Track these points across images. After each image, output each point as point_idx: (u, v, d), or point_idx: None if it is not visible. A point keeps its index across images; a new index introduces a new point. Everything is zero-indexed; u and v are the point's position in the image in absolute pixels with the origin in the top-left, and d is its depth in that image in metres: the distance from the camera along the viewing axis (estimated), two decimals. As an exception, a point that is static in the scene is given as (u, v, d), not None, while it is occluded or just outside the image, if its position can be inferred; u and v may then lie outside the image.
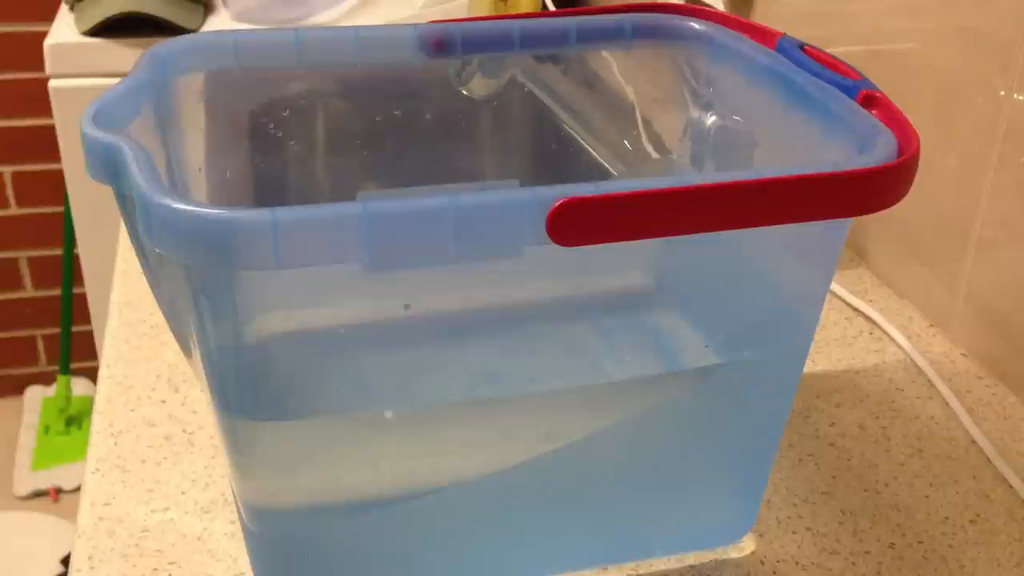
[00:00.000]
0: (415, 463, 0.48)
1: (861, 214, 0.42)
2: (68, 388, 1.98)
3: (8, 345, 2.11)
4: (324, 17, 1.43)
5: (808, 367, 0.71)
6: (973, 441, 0.65)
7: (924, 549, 0.56)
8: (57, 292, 2.04)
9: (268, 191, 0.60)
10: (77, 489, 1.90)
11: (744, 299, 0.53)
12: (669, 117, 0.62)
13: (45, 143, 1.86)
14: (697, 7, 0.60)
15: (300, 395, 0.51)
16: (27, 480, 1.92)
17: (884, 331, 0.75)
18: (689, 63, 0.59)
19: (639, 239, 0.40)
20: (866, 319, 0.77)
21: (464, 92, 0.60)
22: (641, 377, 0.53)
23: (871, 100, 0.47)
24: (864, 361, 0.72)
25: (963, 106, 0.71)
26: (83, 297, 1.79)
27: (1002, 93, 0.67)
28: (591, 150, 0.64)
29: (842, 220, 0.44)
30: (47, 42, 1.31)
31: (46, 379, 2.14)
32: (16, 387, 2.15)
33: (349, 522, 0.49)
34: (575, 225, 0.39)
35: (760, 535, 0.57)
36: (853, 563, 0.55)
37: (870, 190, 0.42)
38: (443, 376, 0.51)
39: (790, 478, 0.61)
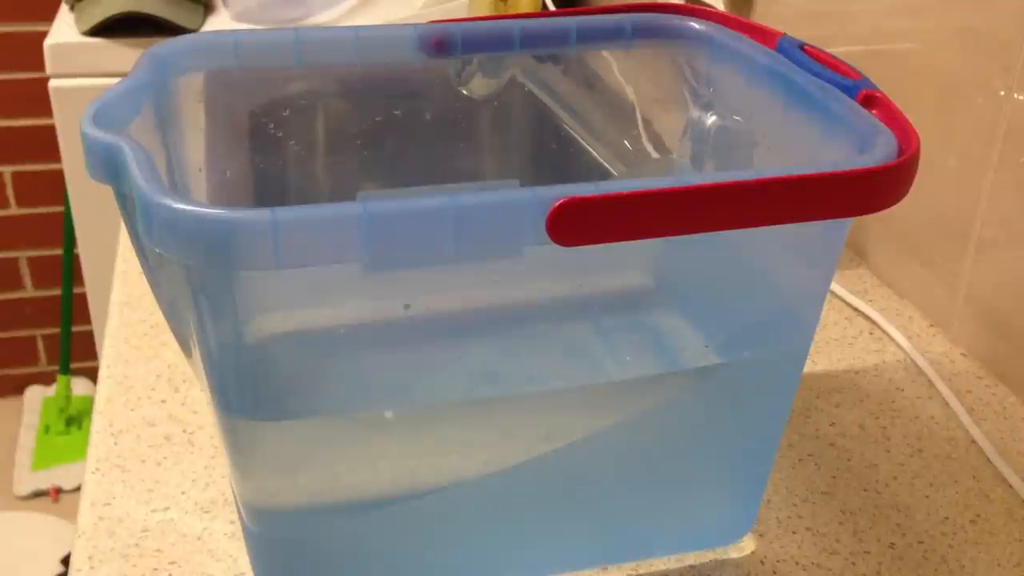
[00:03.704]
0: (415, 463, 0.48)
1: (861, 214, 0.42)
2: (68, 388, 1.98)
3: (8, 345, 2.11)
4: (324, 17, 1.43)
5: (808, 367, 0.71)
6: (973, 441, 0.65)
7: (924, 549, 0.56)
8: (57, 292, 2.04)
9: (268, 191, 0.60)
10: (77, 489, 1.90)
11: (744, 299, 0.53)
12: (669, 117, 0.62)
13: (45, 143, 1.86)
14: (697, 7, 0.60)
15: (300, 395, 0.51)
16: (27, 480, 1.92)
17: (884, 331, 0.75)
18: (689, 63, 0.59)
19: (639, 239, 0.40)
20: (866, 319, 0.77)
21: (464, 92, 0.60)
22: (641, 377, 0.53)
23: (871, 100, 0.47)
24: (864, 361, 0.72)
25: (963, 106, 0.71)
26: (83, 297, 1.79)
27: (1002, 93, 0.67)
28: (591, 150, 0.64)
29: (842, 220, 0.44)
30: (47, 42, 1.31)
31: (46, 379, 2.14)
32: (16, 387, 2.15)
33: (349, 522, 0.49)
34: (575, 225, 0.39)
35: (760, 535, 0.57)
36: (853, 563, 0.55)
37: (870, 190, 0.42)
38: (443, 376, 0.51)
39: (790, 478, 0.61)
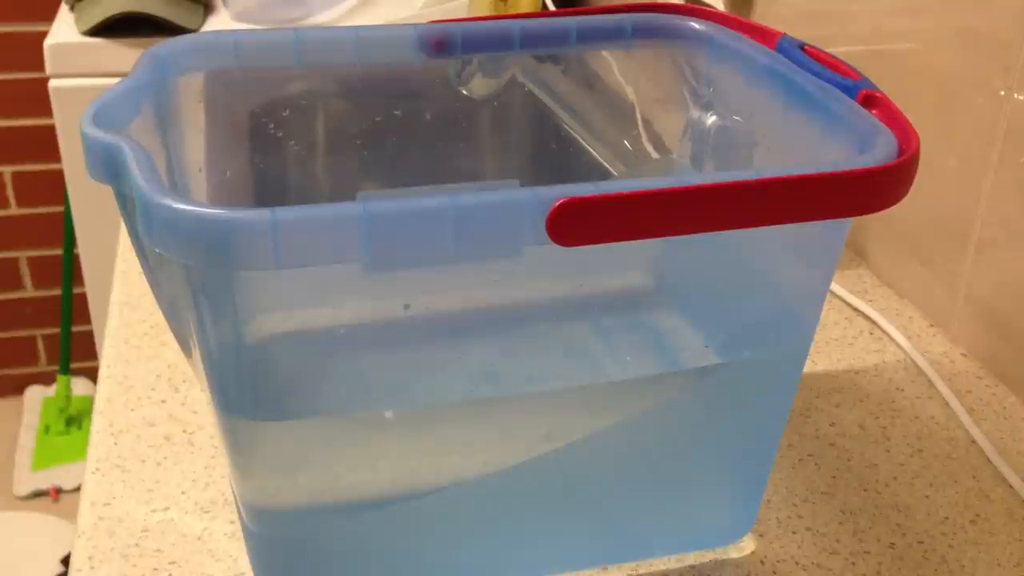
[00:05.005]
0: (415, 463, 0.48)
1: (861, 214, 0.42)
2: (68, 388, 1.98)
3: (8, 345, 2.11)
4: (324, 17, 1.43)
5: (808, 367, 0.71)
6: (973, 441, 0.65)
7: (924, 549, 0.56)
8: (57, 292, 2.04)
9: (268, 191, 0.60)
10: (77, 489, 1.90)
11: (744, 299, 0.53)
12: (669, 117, 0.62)
13: (45, 143, 1.86)
14: (697, 7, 0.60)
15: (300, 395, 0.51)
16: (27, 480, 1.92)
17: (884, 331, 0.75)
18: (689, 63, 0.59)
19: (639, 239, 0.40)
20: (866, 319, 0.77)
21: (464, 92, 0.60)
22: (641, 377, 0.53)
23: (871, 100, 0.47)
24: (864, 361, 0.72)
25: (963, 106, 0.71)
26: (83, 297, 1.79)
27: (1002, 93, 0.67)
28: (591, 150, 0.64)
29: (842, 220, 0.44)
30: (47, 42, 1.31)
31: (46, 379, 2.14)
32: (16, 387, 2.15)
33: (349, 522, 0.49)
34: (575, 225, 0.39)
35: (760, 535, 0.57)
36: (853, 563, 0.55)
37: (870, 190, 0.42)
38: (443, 376, 0.51)
39: (790, 478, 0.61)
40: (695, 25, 0.59)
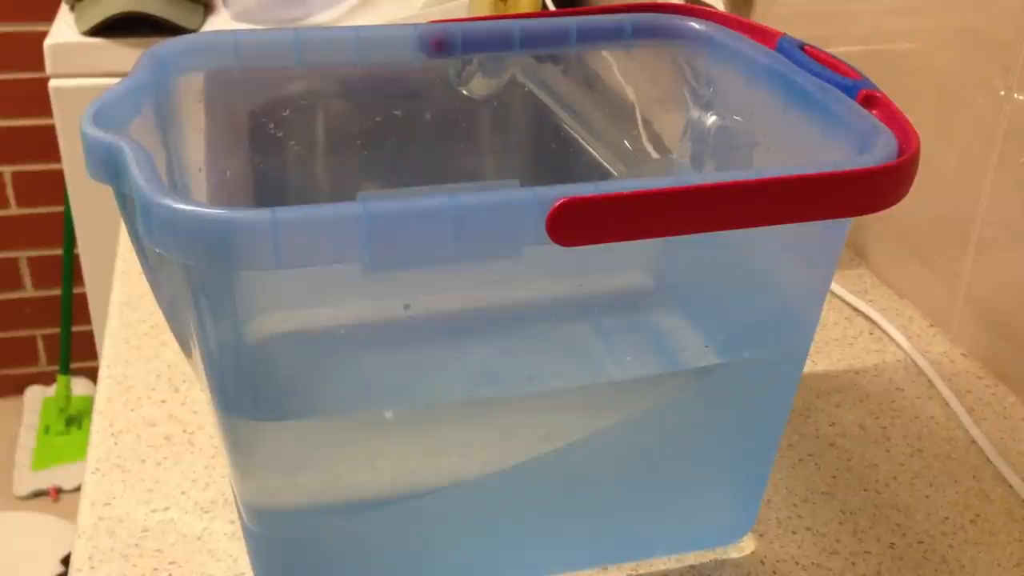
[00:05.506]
0: (415, 463, 0.48)
1: (861, 214, 0.42)
2: (68, 388, 1.98)
3: (8, 345, 2.11)
4: (324, 17, 1.43)
5: (808, 367, 0.71)
6: (973, 441, 0.65)
7: (924, 549, 0.56)
8: (57, 292, 2.04)
9: (268, 191, 0.60)
10: (77, 489, 1.90)
11: (744, 299, 0.53)
12: (669, 117, 0.62)
13: (45, 143, 1.86)
14: (697, 7, 0.60)
15: (300, 395, 0.51)
16: (27, 480, 1.92)
17: (884, 331, 0.75)
18: (689, 63, 0.59)
19: (639, 239, 0.40)
20: (866, 319, 0.77)
21: (464, 92, 0.60)
22: (641, 377, 0.53)
23: (871, 100, 0.47)
24: (864, 361, 0.72)
25: (963, 106, 0.71)
26: (83, 297, 1.79)
27: (1002, 93, 0.67)
28: (591, 150, 0.64)
29: (842, 220, 0.44)
30: (47, 42, 1.31)
31: (46, 379, 2.14)
32: (16, 387, 2.15)
33: (349, 522, 0.49)
34: (575, 225, 0.39)
35: (760, 535, 0.57)
36: (853, 563, 0.55)
37: (870, 190, 0.42)
38: (443, 376, 0.51)
39: (790, 478, 0.61)
40: (695, 25, 0.59)
